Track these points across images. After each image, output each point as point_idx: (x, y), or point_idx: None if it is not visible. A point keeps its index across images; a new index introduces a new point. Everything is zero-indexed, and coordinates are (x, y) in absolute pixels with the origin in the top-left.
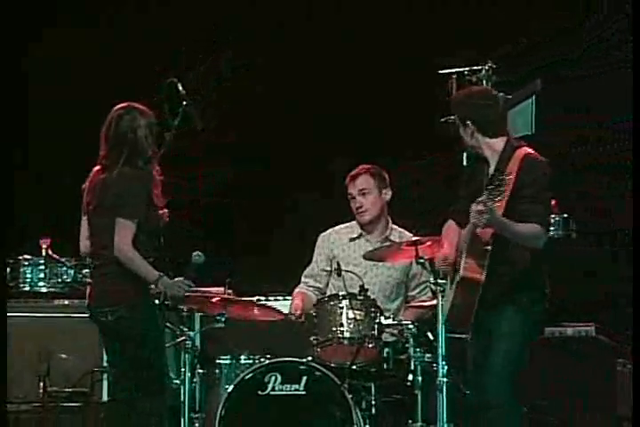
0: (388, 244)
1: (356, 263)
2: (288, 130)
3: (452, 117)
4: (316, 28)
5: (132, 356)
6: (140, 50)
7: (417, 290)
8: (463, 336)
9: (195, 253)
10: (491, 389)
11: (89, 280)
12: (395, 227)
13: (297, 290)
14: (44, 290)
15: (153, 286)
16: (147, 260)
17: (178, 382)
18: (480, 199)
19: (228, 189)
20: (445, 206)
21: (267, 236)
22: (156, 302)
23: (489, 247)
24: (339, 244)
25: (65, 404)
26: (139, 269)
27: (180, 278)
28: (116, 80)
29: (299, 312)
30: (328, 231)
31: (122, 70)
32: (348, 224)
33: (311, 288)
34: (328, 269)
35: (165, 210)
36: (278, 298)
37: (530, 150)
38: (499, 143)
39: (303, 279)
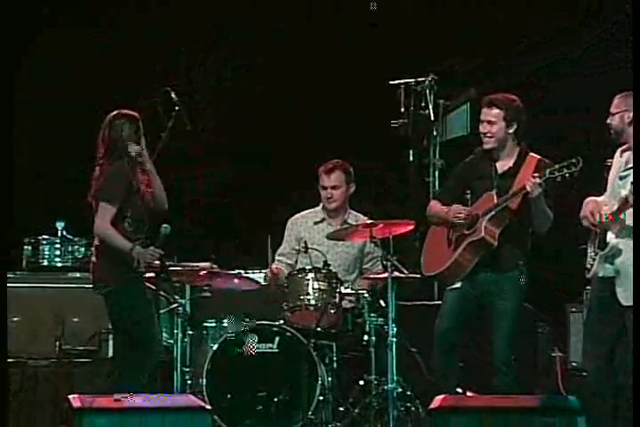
0: (346, 226)
1: (320, 243)
2: (288, 130)
3: (400, 121)
4: (315, 28)
5: (117, 326)
6: (140, 50)
7: (370, 264)
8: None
9: (163, 226)
10: (499, 350)
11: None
12: (351, 211)
13: (273, 265)
14: (59, 265)
15: (131, 256)
16: (135, 240)
17: (171, 341)
18: (536, 174)
19: (228, 189)
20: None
21: (266, 235)
22: (143, 283)
23: (508, 220)
24: (305, 227)
25: (77, 360)
26: (115, 243)
27: (152, 247)
28: (116, 80)
29: (278, 276)
30: (295, 216)
31: (122, 70)
32: (312, 210)
33: (283, 265)
34: (297, 248)
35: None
36: (255, 271)
37: (538, 156)
38: (516, 147)
39: (277, 258)
